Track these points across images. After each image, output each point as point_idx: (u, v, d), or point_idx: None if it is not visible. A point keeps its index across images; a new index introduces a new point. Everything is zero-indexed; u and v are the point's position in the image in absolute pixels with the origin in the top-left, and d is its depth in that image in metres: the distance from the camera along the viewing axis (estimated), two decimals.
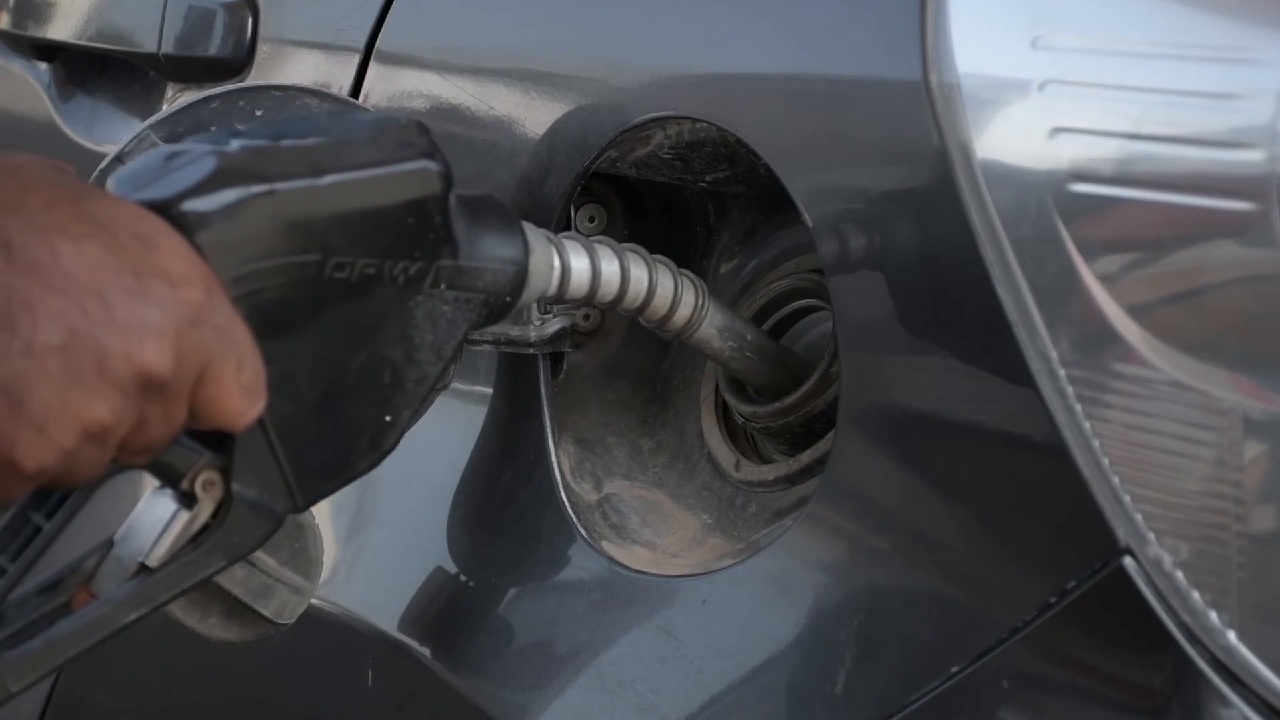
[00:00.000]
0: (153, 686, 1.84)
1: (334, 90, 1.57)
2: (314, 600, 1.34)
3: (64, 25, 2.08)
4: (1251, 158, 1.01)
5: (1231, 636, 1.04)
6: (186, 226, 1.05)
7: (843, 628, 1.18)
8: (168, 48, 1.86)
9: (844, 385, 1.21)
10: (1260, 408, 1.03)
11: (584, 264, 1.29)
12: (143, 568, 1.13)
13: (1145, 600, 1.05)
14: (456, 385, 1.46)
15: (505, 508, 1.44)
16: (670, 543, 1.39)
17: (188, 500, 1.12)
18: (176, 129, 1.35)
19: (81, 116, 2.14)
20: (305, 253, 1.11)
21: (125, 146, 1.35)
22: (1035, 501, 1.10)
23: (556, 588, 1.41)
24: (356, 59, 1.61)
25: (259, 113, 1.36)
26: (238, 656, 1.43)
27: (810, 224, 1.21)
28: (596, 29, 1.43)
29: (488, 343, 1.43)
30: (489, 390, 1.48)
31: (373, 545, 1.55)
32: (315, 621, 1.39)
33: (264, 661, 1.60)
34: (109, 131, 2.06)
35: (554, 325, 1.44)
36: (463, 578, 1.45)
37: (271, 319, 1.10)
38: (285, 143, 1.12)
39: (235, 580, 1.30)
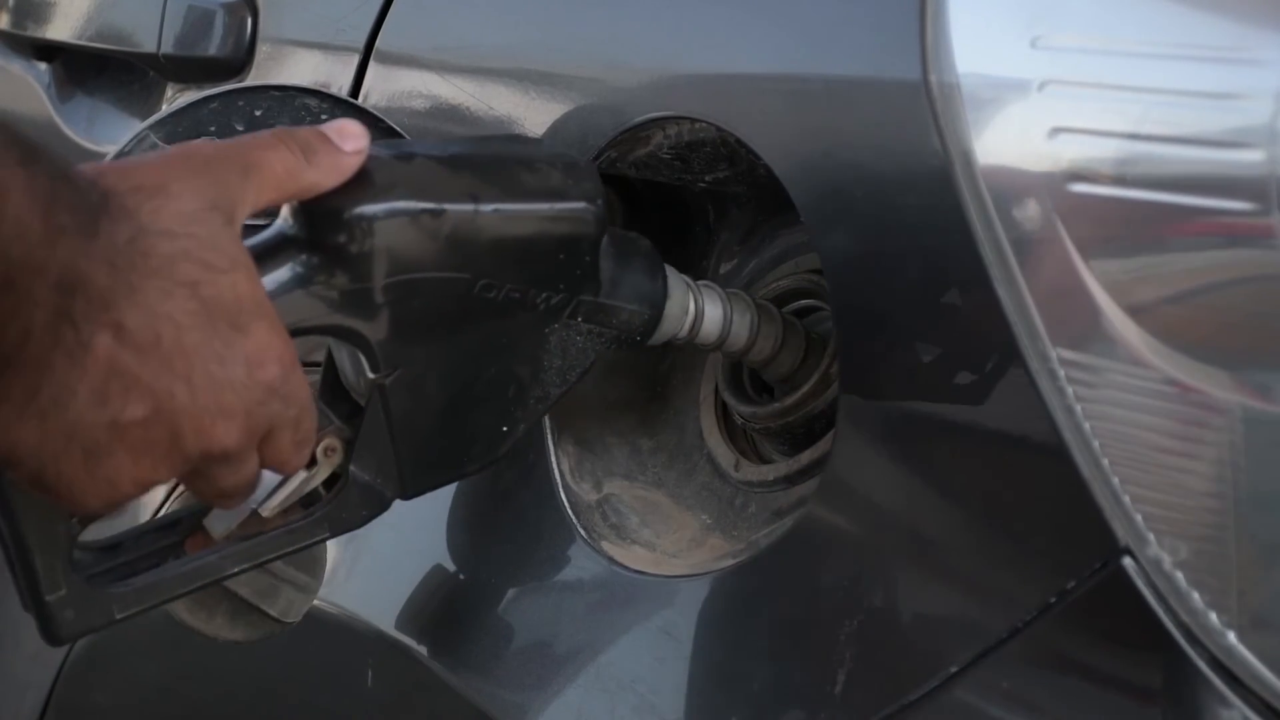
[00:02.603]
0: (153, 686, 1.84)
1: (334, 90, 1.57)
2: (314, 600, 1.35)
3: (64, 25, 2.08)
4: (1251, 158, 1.01)
5: (1231, 637, 1.03)
6: (355, 231, 1.12)
7: (842, 628, 1.18)
8: (167, 48, 1.86)
9: (843, 385, 1.21)
10: (1260, 408, 1.03)
11: (717, 313, 1.33)
12: (254, 515, 1.19)
13: (1145, 601, 1.04)
14: None
15: (505, 508, 1.44)
16: (670, 543, 1.39)
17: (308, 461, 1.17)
18: (176, 129, 1.35)
19: (81, 116, 2.14)
20: (458, 270, 1.17)
21: (124, 147, 1.35)
22: (1035, 501, 1.10)
23: (556, 588, 1.41)
24: (356, 59, 1.61)
25: (259, 113, 1.36)
26: (238, 656, 1.43)
27: (809, 224, 1.21)
28: (596, 29, 1.43)
29: None
30: None
31: (373, 545, 1.55)
32: (315, 621, 1.40)
33: (264, 661, 1.60)
34: (108, 131, 2.06)
35: None
36: (463, 578, 1.45)
37: (415, 324, 1.16)
38: (457, 159, 1.18)
39: (241, 580, 1.30)
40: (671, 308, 1.29)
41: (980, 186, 1.09)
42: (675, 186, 1.45)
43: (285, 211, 1.15)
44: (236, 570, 1.18)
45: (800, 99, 1.23)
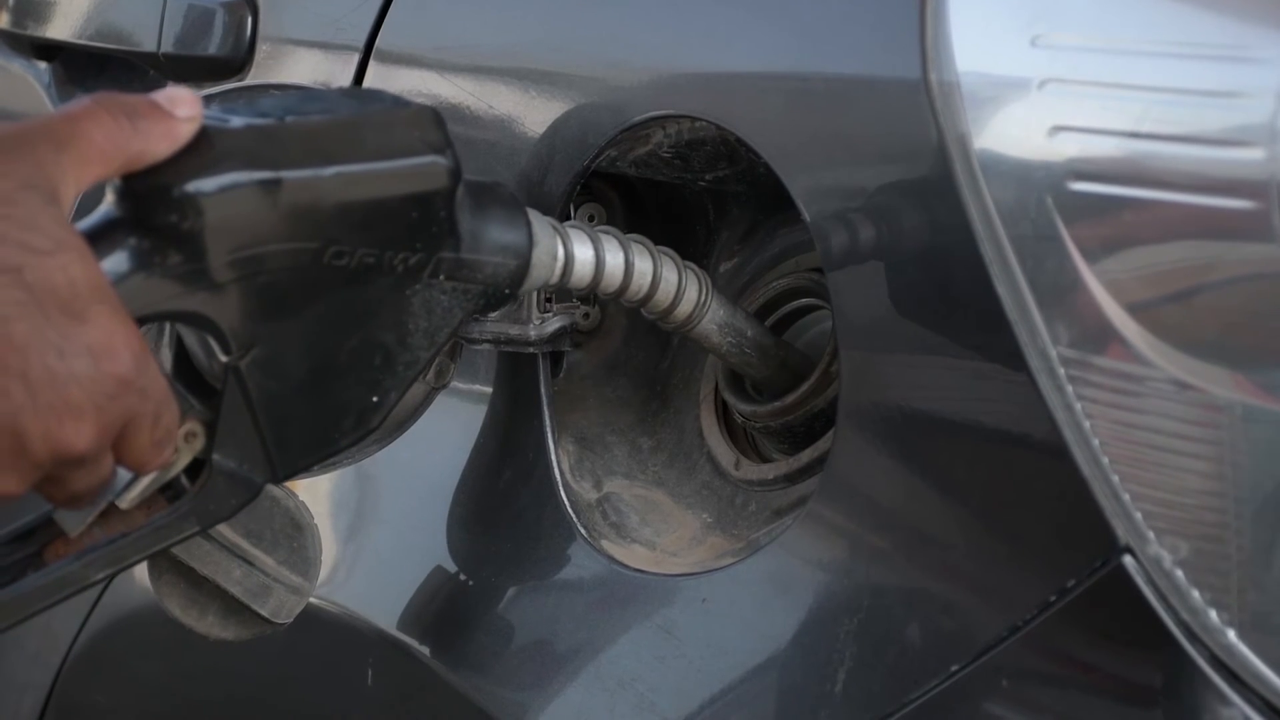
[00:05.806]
0: (153, 686, 1.84)
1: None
2: (314, 600, 1.34)
3: (64, 24, 2.08)
4: (1251, 156, 1.01)
5: (1231, 635, 1.04)
6: (186, 209, 1.06)
7: (842, 627, 1.18)
8: (167, 47, 1.86)
9: (844, 384, 1.21)
10: (1260, 407, 1.03)
11: (588, 254, 1.29)
12: (113, 508, 1.13)
13: (1145, 599, 1.04)
14: (456, 385, 1.46)
15: (505, 507, 1.44)
16: (670, 542, 1.39)
17: None
18: None
19: None
20: (304, 240, 1.11)
21: None
22: (1035, 500, 1.10)
23: (556, 587, 1.40)
24: (356, 58, 1.61)
25: None
26: (238, 656, 1.43)
27: (810, 223, 1.21)
28: (596, 28, 1.43)
29: (488, 342, 1.43)
30: (489, 389, 1.48)
31: (373, 545, 1.55)
32: (315, 621, 1.39)
33: (264, 661, 1.60)
34: None
35: (554, 324, 1.43)
36: (462, 577, 1.45)
37: (265, 300, 1.11)
38: (292, 124, 1.12)
39: (233, 579, 1.30)
40: (539, 255, 1.24)
41: (980, 185, 1.09)
42: (675, 186, 1.45)
43: (109, 190, 1.07)
44: (102, 576, 1.12)
45: (800, 98, 1.23)
